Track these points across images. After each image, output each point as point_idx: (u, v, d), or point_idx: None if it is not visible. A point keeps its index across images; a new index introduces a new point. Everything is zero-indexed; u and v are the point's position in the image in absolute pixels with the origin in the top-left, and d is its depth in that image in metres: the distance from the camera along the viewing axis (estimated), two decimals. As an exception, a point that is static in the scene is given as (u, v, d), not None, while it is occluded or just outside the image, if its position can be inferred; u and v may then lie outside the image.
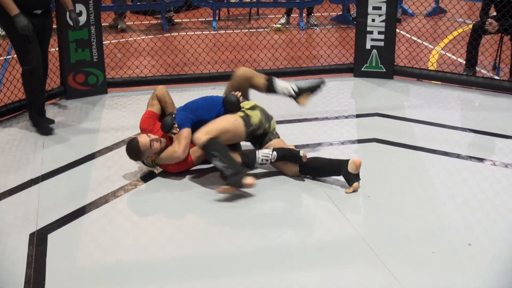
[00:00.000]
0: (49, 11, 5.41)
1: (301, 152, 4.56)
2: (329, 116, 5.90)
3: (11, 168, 4.82)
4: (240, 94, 4.77)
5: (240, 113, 4.62)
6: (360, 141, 5.38)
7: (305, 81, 5.00)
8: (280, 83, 4.92)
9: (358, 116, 5.95)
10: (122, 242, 3.88)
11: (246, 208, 4.24)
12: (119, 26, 9.09)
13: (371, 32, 6.83)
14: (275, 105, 5.59)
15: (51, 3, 5.60)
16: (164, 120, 4.57)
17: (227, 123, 4.53)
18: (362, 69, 6.98)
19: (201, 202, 4.34)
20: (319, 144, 5.26)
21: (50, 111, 5.90)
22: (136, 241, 3.88)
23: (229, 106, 4.66)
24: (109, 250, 3.78)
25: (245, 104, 4.72)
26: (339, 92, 6.58)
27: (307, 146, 5.21)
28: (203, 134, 4.41)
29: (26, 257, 3.70)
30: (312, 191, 4.49)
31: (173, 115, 4.59)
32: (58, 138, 5.38)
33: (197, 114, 4.59)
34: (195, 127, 4.53)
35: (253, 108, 4.69)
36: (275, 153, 4.55)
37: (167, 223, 4.11)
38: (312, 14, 9.57)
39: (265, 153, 4.54)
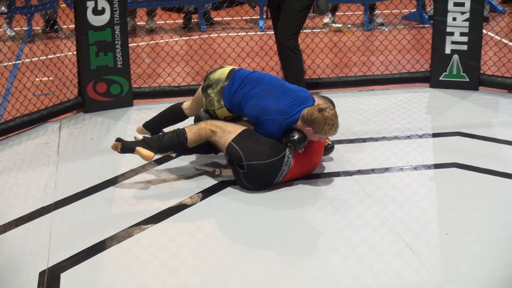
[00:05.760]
0: None
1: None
2: (399, 135, 5.87)
3: (19, 194, 4.90)
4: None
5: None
6: (437, 166, 5.33)
7: None
8: None
9: (435, 135, 5.90)
10: (147, 284, 3.89)
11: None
12: (147, 26, 9.22)
13: (452, 34, 6.79)
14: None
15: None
16: None
17: None
18: (441, 78, 6.94)
19: (242, 239, 4.36)
20: (386, 169, 5.23)
21: (65, 127, 6.00)
22: (164, 284, 3.90)
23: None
24: (132, 294, 3.81)
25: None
26: (412, 106, 6.54)
27: (372, 171, 5.18)
28: None
29: (34, 300, 3.75)
30: (373, 219, 4.49)
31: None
32: (74, 159, 5.46)
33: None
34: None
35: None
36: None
37: (201, 263, 4.12)
38: (376, 11, 9.56)
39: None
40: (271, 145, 4.87)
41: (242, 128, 4.97)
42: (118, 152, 4.96)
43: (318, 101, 5.11)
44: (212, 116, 5.22)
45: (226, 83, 5.14)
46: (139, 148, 4.90)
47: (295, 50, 6.09)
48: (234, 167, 4.93)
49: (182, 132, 5.01)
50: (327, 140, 5.25)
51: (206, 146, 5.10)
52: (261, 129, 4.94)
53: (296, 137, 4.86)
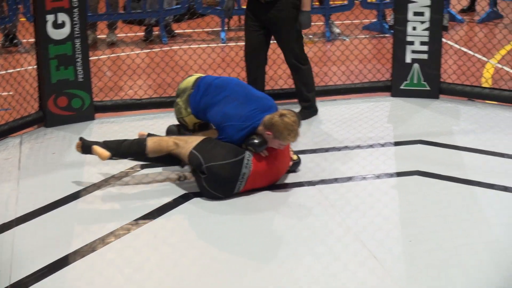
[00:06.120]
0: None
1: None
2: (361, 144, 5.90)
3: (-21, 210, 4.85)
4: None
5: None
6: (399, 174, 5.38)
7: None
8: None
9: (397, 144, 5.95)
10: (112, 299, 3.88)
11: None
12: (108, 39, 9.18)
13: (412, 43, 6.85)
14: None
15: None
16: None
17: None
18: (401, 87, 6.99)
19: (206, 251, 4.35)
20: (349, 178, 5.26)
21: (26, 142, 5.95)
22: (129, 298, 3.89)
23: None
24: (96, 309, 3.79)
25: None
26: (374, 115, 6.59)
27: (335, 180, 5.21)
28: None
29: (-3, 318, 3.72)
30: (337, 228, 4.51)
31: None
32: (36, 174, 5.42)
33: None
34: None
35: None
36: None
37: (167, 276, 4.11)
38: (337, 21, 9.61)
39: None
40: (231, 148, 4.92)
41: (204, 137, 5.02)
42: (80, 152, 5.10)
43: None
44: (182, 126, 5.35)
45: (192, 91, 5.23)
46: (95, 147, 5.04)
47: (305, 62, 6.34)
48: (197, 176, 4.93)
49: (142, 140, 5.07)
50: (293, 155, 5.28)
51: (170, 158, 5.11)
52: (223, 135, 4.99)
53: (256, 141, 4.90)
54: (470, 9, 10.64)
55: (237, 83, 5.29)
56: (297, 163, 5.33)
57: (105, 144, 5.06)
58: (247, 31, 6.37)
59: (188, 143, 4.96)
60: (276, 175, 5.11)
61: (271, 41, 6.39)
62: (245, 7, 6.44)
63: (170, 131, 5.48)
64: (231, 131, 4.95)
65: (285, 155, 5.12)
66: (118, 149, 5.05)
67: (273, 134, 4.85)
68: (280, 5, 6.06)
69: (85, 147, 5.10)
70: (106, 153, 5.01)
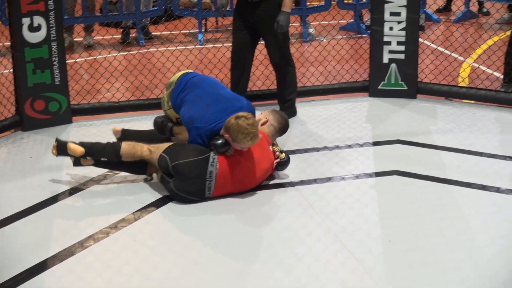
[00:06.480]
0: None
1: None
2: (340, 144, 5.92)
3: (-44, 216, 4.82)
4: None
5: None
6: (378, 174, 5.39)
7: None
8: None
9: (375, 144, 5.97)
10: (92, 303, 3.86)
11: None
12: (85, 42, 9.14)
13: (389, 43, 6.88)
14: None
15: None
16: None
17: None
18: (379, 87, 7.02)
19: (186, 254, 4.35)
20: (329, 179, 5.27)
21: (3, 146, 5.92)
22: (109, 302, 3.87)
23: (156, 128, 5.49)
24: (76, 313, 3.77)
25: None
26: (352, 115, 6.61)
27: (314, 181, 5.22)
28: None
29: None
30: (317, 229, 4.52)
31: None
32: (13, 178, 5.38)
33: None
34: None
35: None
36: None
37: (146, 279, 4.10)
38: (313, 22, 9.63)
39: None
40: (196, 148, 4.93)
41: (174, 143, 5.08)
42: (55, 154, 5.14)
43: (267, 115, 5.20)
44: (167, 118, 5.43)
45: (174, 86, 5.27)
46: (70, 143, 5.05)
47: (290, 63, 6.36)
48: (165, 181, 4.93)
49: (117, 142, 5.13)
50: (280, 154, 5.22)
51: (139, 166, 5.16)
52: (189, 137, 5.02)
53: (218, 141, 4.87)
54: (446, 8, 10.70)
55: (210, 82, 5.30)
56: (284, 162, 5.26)
57: (81, 144, 5.07)
58: (234, 30, 6.37)
59: (159, 148, 4.97)
60: (251, 178, 5.04)
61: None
62: (228, 8, 6.43)
63: (155, 123, 5.48)
64: (194, 133, 4.96)
65: (262, 157, 5.08)
66: (92, 148, 5.06)
67: (230, 136, 4.82)
68: (266, 5, 6.06)
69: (60, 146, 5.09)
70: (80, 148, 5.02)
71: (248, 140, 4.77)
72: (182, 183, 4.85)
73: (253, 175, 5.02)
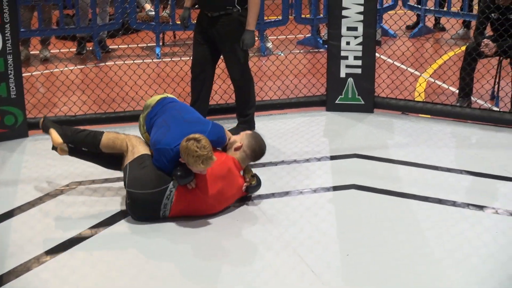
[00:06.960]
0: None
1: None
2: (298, 158, 5.94)
3: None
4: None
5: None
6: (336, 188, 5.42)
7: None
8: None
9: (332, 158, 6.00)
10: (48, 319, 3.82)
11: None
12: (41, 55, 9.07)
13: (346, 58, 6.93)
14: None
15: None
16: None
17: None
18: (336, 101, 7.06)
19: (144, 269, 4.32)
20: (286, 193, 5.28)
21: (-42, 160, 5.84)
22: (65, 318, 3.83)
23: None
24: (32, 330, 3.73)
25: None
26: (310, 129, 6.64)
27: (272, 195, 5.22)
28: None
29: None
30: (275, 243, 4.52)
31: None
32: (-33, 193, 5.31)
33: None
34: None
35: None
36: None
37: (104, 295, 4.07)
38: (271, 36, 9.67)
39: None
40: (156, 176, 4.78)
41: (143, 152, 4.94)
42: (41, 128, 5.38)
43: (243, 139, 5.11)
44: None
45: (150, 109, 5.25)
46: (52, 130, 5.19)
47: (248, 78, 6.35)
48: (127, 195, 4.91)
49: (99, 133, 5.14)
50: (251, 180, 5.08)
51: (116, 161, 5.14)
52: (154, 160, 4.91)
53: (178, 173, 4.75)
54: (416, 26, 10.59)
55: (180, 107, 5.23)
56: (254, 187, 5.11)
57: (63, 130, 5.20)
58: (194, 44, 6.36)
59: (130, 154, 4.92)
60: (211, 207, 4.89)
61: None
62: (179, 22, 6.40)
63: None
64: (156, 156, 4.86)
65: (228, 184, 4.91)
66: (74, 137, 5.16)
67: (183, 160, 4.73)
68: (226, 20, 6.04)
69: (45, 126, 5.29)
70: (59, 140, 5.13)
71: (199, 163, 4.60)
72: (135, 209, 4.82)
73: (213, 206, 4.90)
